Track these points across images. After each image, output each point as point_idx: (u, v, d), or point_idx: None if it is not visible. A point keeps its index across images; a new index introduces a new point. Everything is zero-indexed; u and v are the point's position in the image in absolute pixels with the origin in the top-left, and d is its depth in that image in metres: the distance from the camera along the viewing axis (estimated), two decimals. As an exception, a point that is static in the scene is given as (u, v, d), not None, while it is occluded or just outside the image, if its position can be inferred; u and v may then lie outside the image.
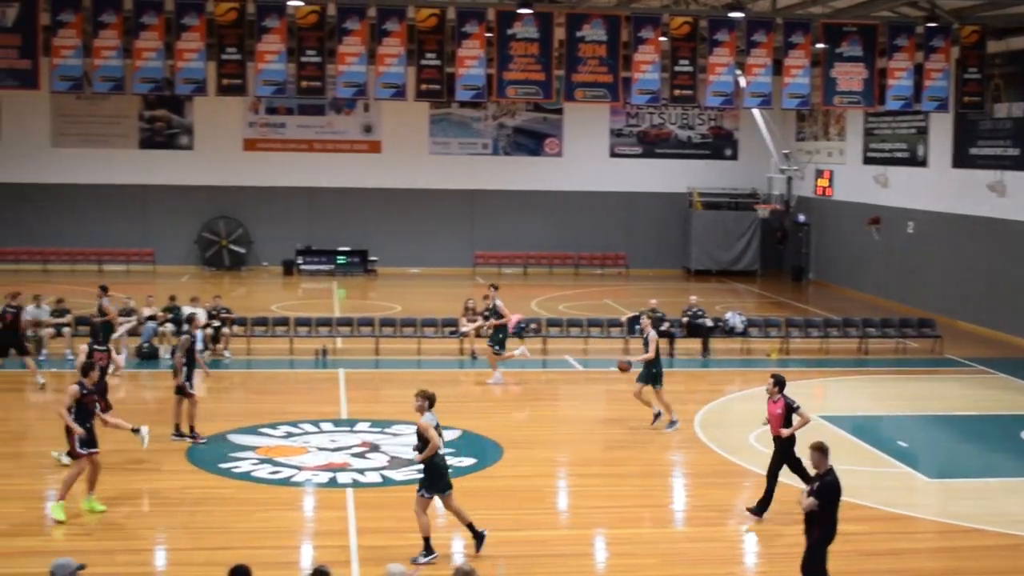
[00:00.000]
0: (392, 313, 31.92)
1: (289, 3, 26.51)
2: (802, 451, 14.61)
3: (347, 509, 15.89)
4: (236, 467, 17.83)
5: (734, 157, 46.77)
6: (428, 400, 14.29)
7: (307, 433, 19.93)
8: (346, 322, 28.87)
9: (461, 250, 45.13)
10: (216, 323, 27.05)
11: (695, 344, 28.44)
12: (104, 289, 26.63)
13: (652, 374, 20.75)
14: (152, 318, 26.99)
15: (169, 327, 26.84)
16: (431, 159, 45.19)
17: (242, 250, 43.99)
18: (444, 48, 27.26)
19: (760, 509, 15.74)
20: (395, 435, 19.85)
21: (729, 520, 15.85)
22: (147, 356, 26.43)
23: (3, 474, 17.38)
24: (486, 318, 26.17)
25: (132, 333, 26.86)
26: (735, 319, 29.20)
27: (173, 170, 43.83)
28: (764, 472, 15.96)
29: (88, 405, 15.58)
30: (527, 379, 25.57)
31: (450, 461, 18.16)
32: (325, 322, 28.69)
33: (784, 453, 15.78)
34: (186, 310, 26.27)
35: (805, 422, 15.74)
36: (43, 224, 43.10)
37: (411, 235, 44.63)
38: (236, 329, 27.60)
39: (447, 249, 44.88)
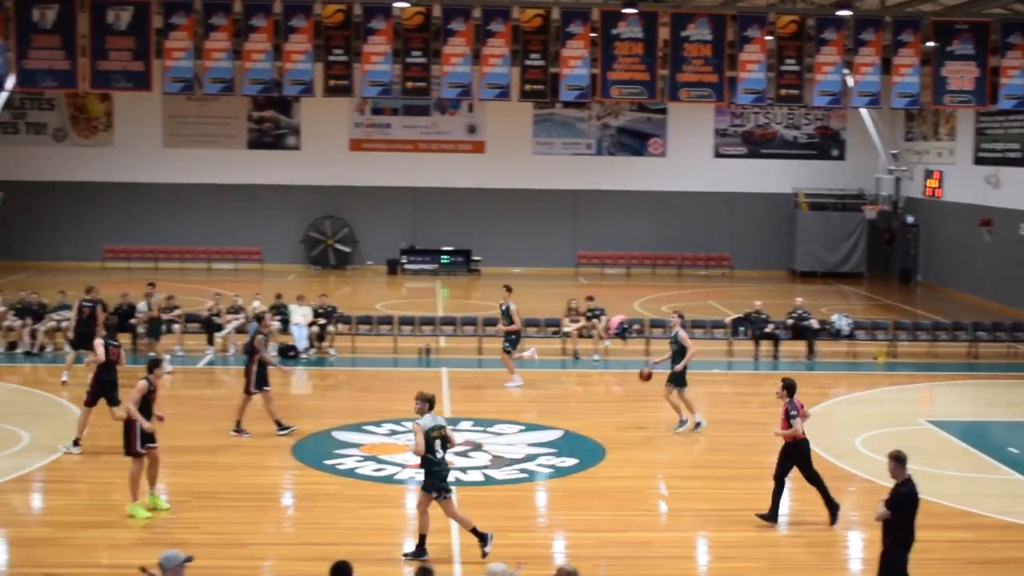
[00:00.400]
0: (495, 313, 32.00)
1: (395, 4, 26.72)
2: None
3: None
4: (340, 464, 18.02)
5: (841, 157, 46.14)
6: (427, 403, 14.13)
7: (410, 431, 20.02)
8: (449, 321, 29.03)
9: (564, 250, 45.13)
10: (322, 321, 27.38)
11: (800, 347, 28.11)
12: (152, 286, 27.10)
13: (679, 375, 20.60)
14: (259, 317, 27.32)
15: (275, 325, 27.20)
16: (534, 159, 45.25)
17: (347, 249, 44.45)
18: (548, 48, 27.29)
19: (770, 516, 15.52)
20: (497, 434, 19.91)
21: (833, 525, 15.64)
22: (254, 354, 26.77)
23: (112, 466, 17.73)
24: (588, 319, 26.15)
25: (239, 331, 27.27)
26: (841, 322, 28.80)
27: (280, 170, 44.43)
28: (872, 477, 15.73)
29: (151, 402, 15.63)
30: (629, 380, 25.46)
31: (551, 461, 18.24)
32: (429, 321, 28.88)
33: (789, 458, 15.53)
34: (256, 305, 26.70)
35: (792, 433, 15.42)
36: (154, 223, 43.96)
37: (514, 235, 44.75)
38: (341, 327, 27.89)
39: (550, 249, 44.91)
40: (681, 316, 21.80)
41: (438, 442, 13.93)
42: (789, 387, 15.78)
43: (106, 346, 19.34)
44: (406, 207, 44.71)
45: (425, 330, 28.44)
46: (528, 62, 27.32)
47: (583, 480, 17.59)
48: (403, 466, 17.82)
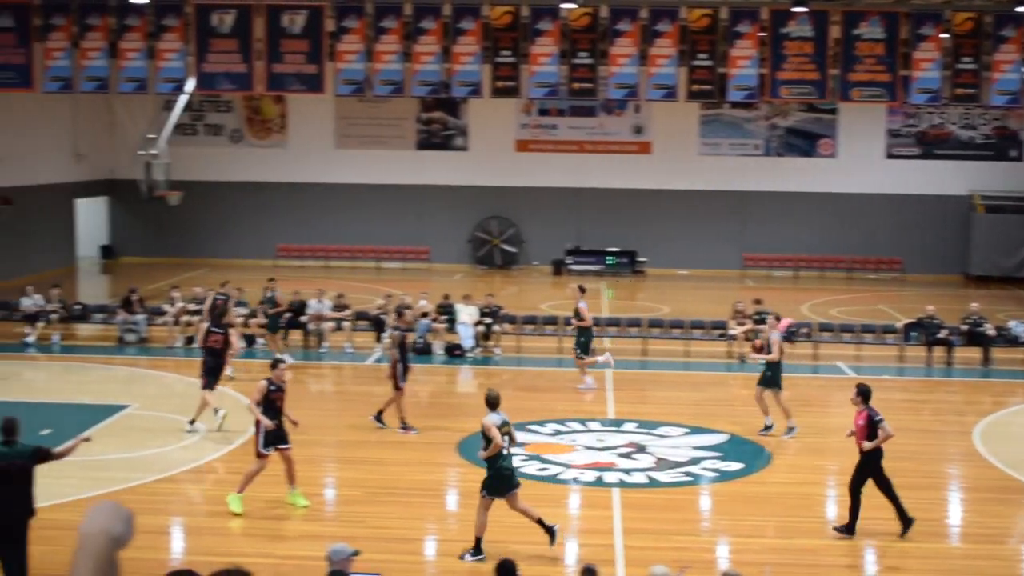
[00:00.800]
0: (660, 314, 31.87)
1: (563, 6, 26.79)
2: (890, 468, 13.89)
3: (613, 509, 15.94)
4: (505, 462, 18.13)
5: (1019, 159, 44.66)
6: (490, 402, 14.28)
7: (574, 432, 20.11)
8: (614, 322, 29.00)
9: (730, 252, 44.66)
10: (487, 320, 27.62)
11: (975, 353, 27.30)
12: (272, 280, 27.64)
13: (772, 377, 20.14)
14: (426, 315, 27.75)
15: (442, 324, 27.56)
16: (701, 160, 44.89)
17: (513, 249, 44.74)
18: (716, 48, 27.05)
19: (848, 528, 14.96)
20: (662, 436, 19.82)
21: (1008, 539, 15.16)
22: (421, 352, 27.18)
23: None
24: (755, 322, 25.84)
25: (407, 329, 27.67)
26: (1019, 328, 27.89)
27: (448, 171, 44.96)
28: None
29: (276, 402, 15.64)
30: (797, 384, 25.10)
31: (716, 465, 18.07)
32: (593, 322, 28.83)
33: (867, 468, 14.96)
34: (423, 304, 27.06)
35: (887, 437, 14.80)
36: (325, 222, 44.91)
37: (680, 236, 44.47)
38: (506, 327, 28.09)
39: (716, 251, 44.50)
40: (778, 318, 21.38)
41: (506, 438, 14.05)
42: (863, 393, 15.25)
43: (207, 332, 20.13)
44: (571, 208, 44.81)
45: (589, 331, 28.43)
46: (695, 62, 27.12)
47: (748, 485, 17.40)
48: (567, 466, 17.86)
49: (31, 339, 27.37)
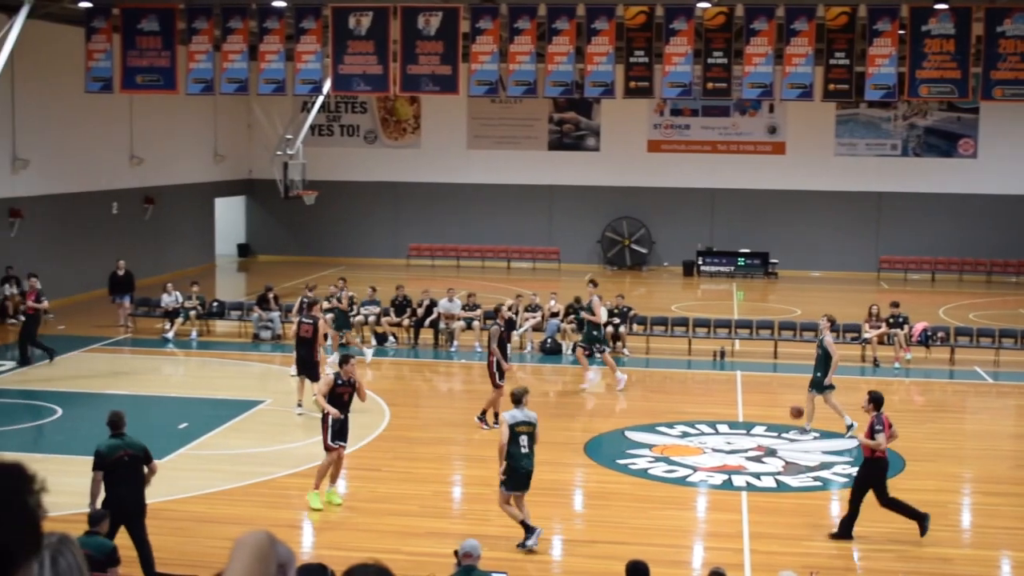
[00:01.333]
0: (792, 317, 31.47)
1: (698, 5, 26.60)
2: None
3: (741, 512, 15.81)
4: (633, 464, 18.10)
5: None
6: (513, 397, 14.46)
7: (703, 434, 19.97)
8: (745, 324, 28.73)
9: (865, 254, 43.86)
10: (617, 321, 27.57)
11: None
12: (343, 280, 27.76)
13: (819, 379, 20.00)
14: (555, 315, 27.81)
15: (571, 324, 27.57)
16: (836, 160, 44.17)
17: (644, 250, 44.57)
18: (854, 47, 26.59)
19: (843, 531, 14.69)
20: (792, 440, 19.58)
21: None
22: (550, 352, 27.25)
23: (413, 456, 18.36)
24: (891, 326, 25.37)
25: (536, 329, 27.77)
26: None
27: (579, 171, 44.97)
28: None
29: (343, 396, 15.79)
30: (932, 389, 24.59)
31: (847, 471, 17.77)
32: (724, 324, 28.65)
33: (868, 477, 14.64)
34: (552, 304, 27.07)
35: (873, 447, 14.53)
36: (457, 222, 45.26)
37: (813, 238, 43.82)
38: (636, 328, 28.00)
39: (850, 253, 43.74)
40: (832, 321, 20.94)
41: (523, 437, 14.15)
42: (876, 400, 15.00)
43: (299, 323, 21.04)
44: (703, 209, 44.47)
45: (720, 333, 28.22)
46: (832, 61, 26.68)
47: (880, 491, 17.07)
48: (695, 468, 17.75)
49: (170, 335, 28.09)
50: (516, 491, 14.27)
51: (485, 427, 20.14)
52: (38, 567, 3.35)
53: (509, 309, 25.62)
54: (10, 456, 1.82)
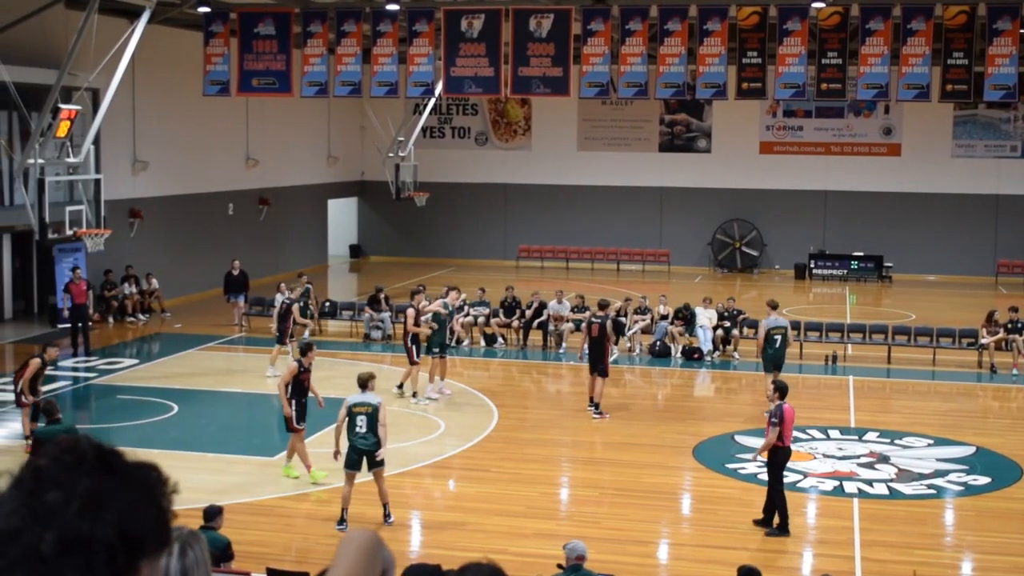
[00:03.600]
0: (906, 321, 30.95)
1: (813, 5, 26.29)
2: None
3: (852, 519, 15.59)
4: (742, 468, 17.96)
5: None
6: (359, 380, 15.26)
7: (814, 439, 19.73)
8: (858, 328, 28.30)
9: (982, 258, 42.90)
10: (727, 324, 27.37)
11: None
12: (423, 288, 27.69)
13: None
14: (664, 317, 27.68)
15: (680, 327, 27.42)
16: (953, 162, 43.29)
17: (755, 253, 44.16)
18: (973, 46, 26.06)
19: (778, 526, 14.76)
20: (906, 447, 19.26)
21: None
22: (659, 354, 27.13)
23: (521, 457, 18.42)
24: (1009, 331, 24.80)
25: (645, 331, 27.68)
26: None
27: (690, 173, 44.70)
28: None
29: (304, 382, 16.91)
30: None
31: (962, 479, 17.44)
32: (836, 328, 28.26)
33: (772, 465, 14.91)
34: (661, 309, 26.99)
35: (768, 439, 14.84)
36: (566, 224, 45.26)
37: (929, 241, 43.00)
38: (747, 331, 27.74)
39: (967, 256, 42.83)
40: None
41: (361, 418, 14.75)
42: (778, 389, 15.43)
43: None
44: (816, 211, 43.91)
45: (832, 337, 27.82)
46: (950, 61, 26.17)
47: (996, 500, 16.73)
48: (805, 474, 17.56)
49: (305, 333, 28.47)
50: (349, 469, 14.84)
51: (599, 416, 20.87)
52: (166, 557, 3.47)
53: (618, 311, 25.60)
54: (128, 452, 1.89)
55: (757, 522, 15.03)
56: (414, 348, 22.01)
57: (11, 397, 22.21)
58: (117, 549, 1.77)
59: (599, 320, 21.27)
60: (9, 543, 1.74)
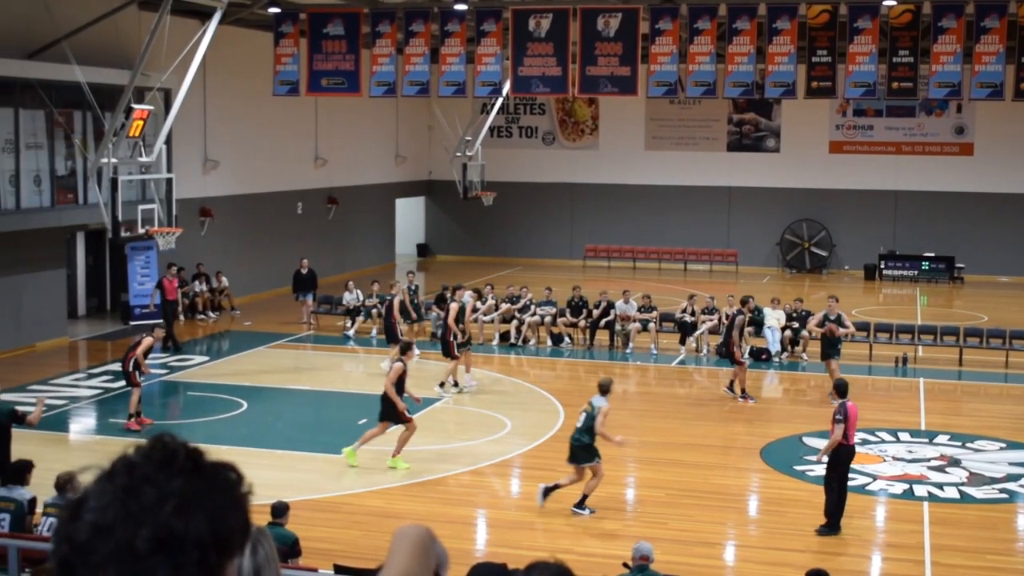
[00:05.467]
0: (978, 323, 30.54)
1: (884, 3, 26.02)
2: None
3: (922, 523, 15.41)
4: (810, 470, 17.80)
5: None
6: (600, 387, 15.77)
7: (883, 442, 19.54)
8: (929, 330, 27.97)
9: (1059, 259, 42.24)
10: (795, 325, 27.16)
11: None
12: (462, 285, 27.69)
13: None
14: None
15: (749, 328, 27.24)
16: (1029, 162, 42.64)
17: (824, 253, 43.77)
18: (1048, 44, 25.67)
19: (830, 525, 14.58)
20: (976, 451, 19.01)
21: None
22: (726, 356, 26.92)
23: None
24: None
25: (712, 332, 27.52)
26: None
27: (758, 172, 44.40)
28: None
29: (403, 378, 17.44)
30: None
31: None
32: (907, 329, 27.95)
33: (837, 463, 14.69)
34: (710, 299, 27.02)
35: (833, 439, 14.63)
36: (633, 223, 45.12)
37: (1002, 242, 42.35)
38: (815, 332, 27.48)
39: (1042, 258, 42.18)
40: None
41: (581, 415, 15.60)
42: (837, 388, 15.39)
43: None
44: (886, 211, 43.42)
45: (903, 338, 27.51)
46: (1024, 59, 25.80)
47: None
48: (874, 477, 17.39)
49: (351, 332, 28.69)
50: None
51: (750, 400, 22.39)
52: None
53: (683, 311, 25.49)
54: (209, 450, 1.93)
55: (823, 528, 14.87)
56: (454, 343, 22.49)
57: (89, 392, 22.68)
58: (208, 549, 1.80)
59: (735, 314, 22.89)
60: (103, 538, 1.78)
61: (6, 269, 25.65)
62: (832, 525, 14.70)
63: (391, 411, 17.34)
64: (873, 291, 40.26)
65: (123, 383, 20.46)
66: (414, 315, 27.08)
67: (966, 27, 26.01)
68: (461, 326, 22.84)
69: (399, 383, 17.34)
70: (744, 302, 24.13)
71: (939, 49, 25.96)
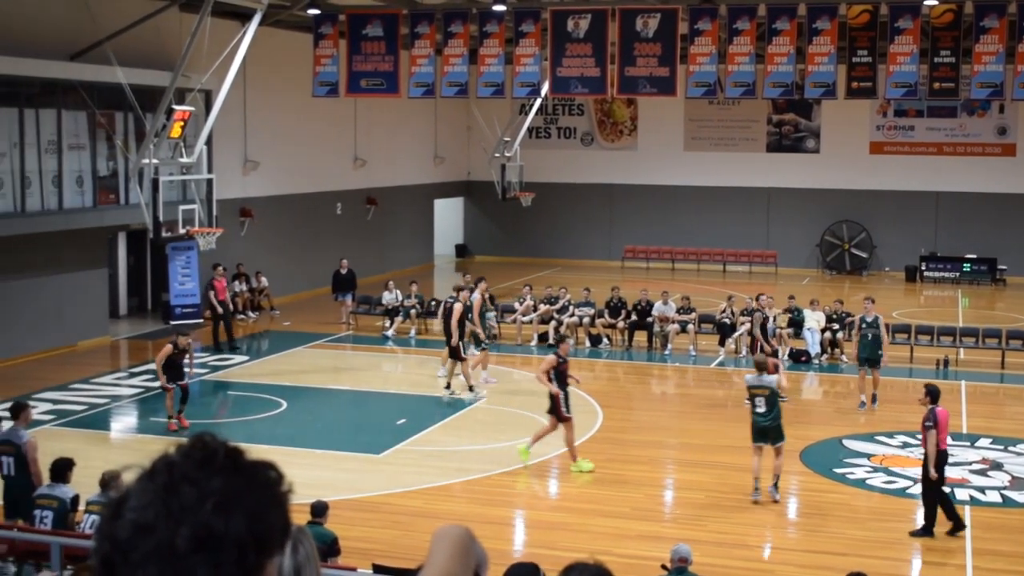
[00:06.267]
0: (1021, 325, 30.26)
1: (925, 3, 25.83)
2: None
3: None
4: (850, 473, 17.72)
5: None
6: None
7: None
8: (971, 332, 27.75)
9: (1102, 261, 41.79)
10: (835, 327, 27.01)
11: None
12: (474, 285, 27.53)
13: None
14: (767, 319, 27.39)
15: (787, 328, 27.14)
16: (1072, 163, 42.22)
17: (864, 254, 43.51)
18: (1092, 44, 25.40)
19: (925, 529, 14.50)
20: (1019, 454, 18.84)
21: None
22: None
23: (630, 460, 18.36)
24: None
25: (750, 333, 27.38)
26: None
27: (798, 173, 44.18)
28: None
29: (563, 371, 17.41)
30: None
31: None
32: (948, 331, 27.72)
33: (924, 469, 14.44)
34: (750, 301, 26.53)
35: (930, 447, 14.44)
36: (672, 224, 45.02)
37: (1046, 244, 41.97)
38: (854, 334, 27.32)
39: (1086, 260, 41.75)
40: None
41: (759, 399, 16.08)
42: (929, 393, 14.86)
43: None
44: (927, 212, 43.09)
45: (944, 341, 27.29)
46: (1069, 60, 25.54)
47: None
48: (915, 480, 17.26)
49: (390, 332, 28.76)
50: (757, 443, 16.24)
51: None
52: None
53: (721, 312, 25.42)
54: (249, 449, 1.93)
55: (919, 532, 14.79)
56: (460, 344, 22.48)
57: (130, 391, 22.91)
58: (247, 547, 1.81)
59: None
60: (144, 536, 1.79)
61: (49, 269, 25.89)
62: (927, 528, 14.63)
63: (554, 406, 17.37)
64: (914, 293, 39.99)
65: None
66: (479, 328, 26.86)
67: (1008, 27, 25.80)
68: (471, 327, 22.78)
69: (561, 378, 17.37)
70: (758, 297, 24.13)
71: (981, 49, 25.75)
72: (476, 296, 22.90)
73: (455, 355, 22.51)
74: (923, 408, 15.00)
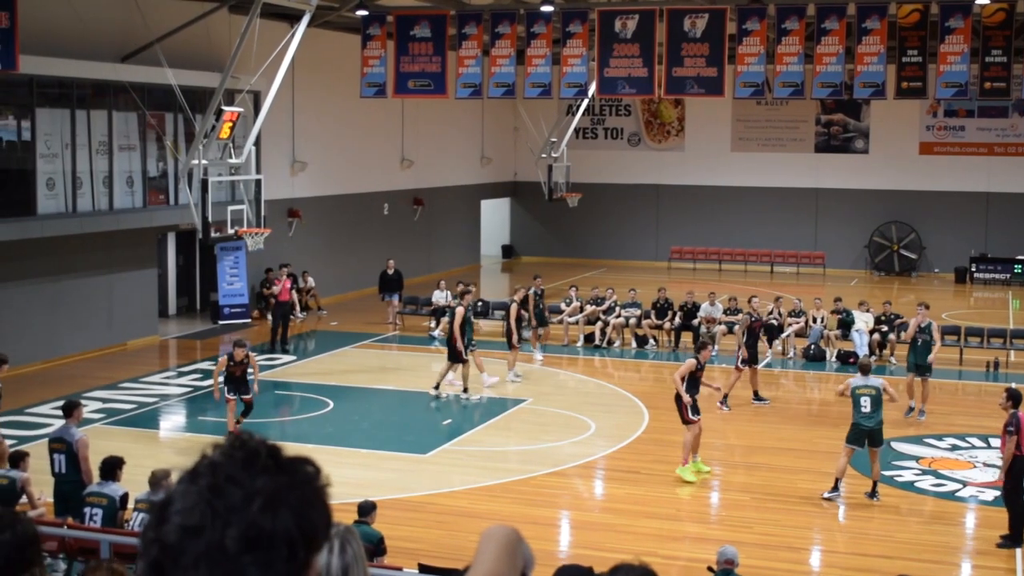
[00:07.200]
0: (1073, 328, 29.90)
1: (977, 2, 25.60)
2: None
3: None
4: (899, 475, 17.59)
5: None
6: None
7: (974, 448, 19.23)
8: (1021, 335, 27.45)
9: None
10: (884, 328, 26.82)
11: None
12: (472, 288, 27.45)
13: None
14: (815, 320, 27.24)
15: (835, 330, 26.98)
16: None
17: (913, 256, 43.16)
18: None
19: (1012, 538, 14.07)
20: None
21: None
22: (814, 358, 26.72)
23: (676, 461, 18.31)
24: None
25: (799, 335, 27.27)
26: None
27: (846, 174, 43.89)
28: None
29: (698, 377, 17.44)
30: None
31: None
32: (998, 333, 27.44)
33: (1013, 474, 14.05)
34: (797, 303, 26.31)
35: (1007, 453, 14.03)
36: (719, 225, 44.84)
37: (1099, 245, 41.46)
38: (903, 335, 27.12)
39: None
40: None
41: (864, 399, 16.09)
42: (1012, 397, 14.33)
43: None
44: (977, 213, 42.68)
45: (994, 343, 27.03)
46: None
47: None
48: (964, 483, 17.11)
49: (436, 333, 28.82)
50: (850, 445, 16.31)
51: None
52: (327, 553, 3.59)
53: (769, 314, 25.32)
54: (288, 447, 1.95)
55: (1004, 540, 14.54)
56: (463, 346, 22.33)
57: (179, 390, 23.11)
58: (296, 544, 1.83)
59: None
60: (193, 539, 1.81)
61: (99, 268, 26.15)
62: (1015, 537, 14.38)
63: (680, 409, 17.35)
64: (964, 294, 39.61)
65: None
66: (534, 321, 26.94)
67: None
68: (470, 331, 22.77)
69: (693, 382, 17.34)
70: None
71: (1033, 48, 25.49)
72: (459, 309, 22.60)
73: (456, 358, 22.38)
74: (1005, 412, 14.59)
